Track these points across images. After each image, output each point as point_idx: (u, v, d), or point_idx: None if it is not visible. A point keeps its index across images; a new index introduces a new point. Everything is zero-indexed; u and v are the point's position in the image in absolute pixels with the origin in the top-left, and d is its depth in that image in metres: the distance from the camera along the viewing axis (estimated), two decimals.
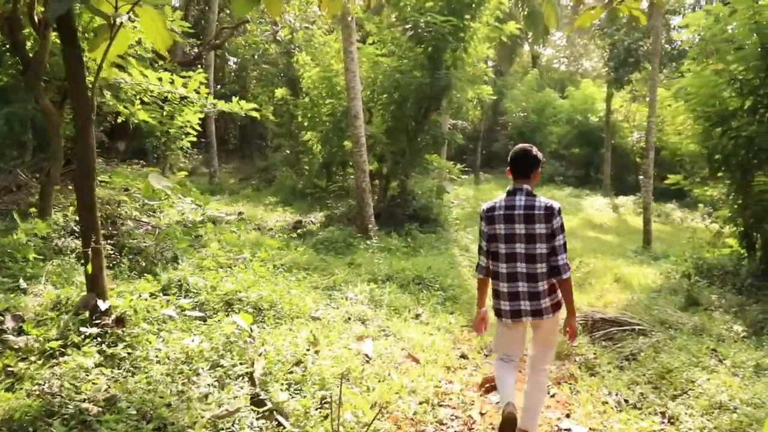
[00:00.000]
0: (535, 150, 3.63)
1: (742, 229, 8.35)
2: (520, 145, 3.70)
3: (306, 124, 15.67)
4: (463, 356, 6.00)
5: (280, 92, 18.17)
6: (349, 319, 6.43)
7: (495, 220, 3.56)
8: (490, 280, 3.75)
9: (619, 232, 17.25)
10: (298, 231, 12.16)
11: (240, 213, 13.17)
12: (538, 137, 30.12)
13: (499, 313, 3.72)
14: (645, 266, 11.35)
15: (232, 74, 28.13)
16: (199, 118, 12.09)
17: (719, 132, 8.22)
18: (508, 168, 3.63)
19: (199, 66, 14.89)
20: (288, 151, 20.32)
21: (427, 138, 13.02)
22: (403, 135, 13.04)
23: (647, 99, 24.69)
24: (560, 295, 3.62)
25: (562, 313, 3.70)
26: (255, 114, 9.90)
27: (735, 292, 7.37)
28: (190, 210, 9.85)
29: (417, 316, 7.13)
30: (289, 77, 19.84)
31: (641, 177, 25.92)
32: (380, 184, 14.20)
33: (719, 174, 8.87)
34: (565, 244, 3.53)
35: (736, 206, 8.43)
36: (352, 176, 16.90)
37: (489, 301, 3.87)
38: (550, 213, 3.45)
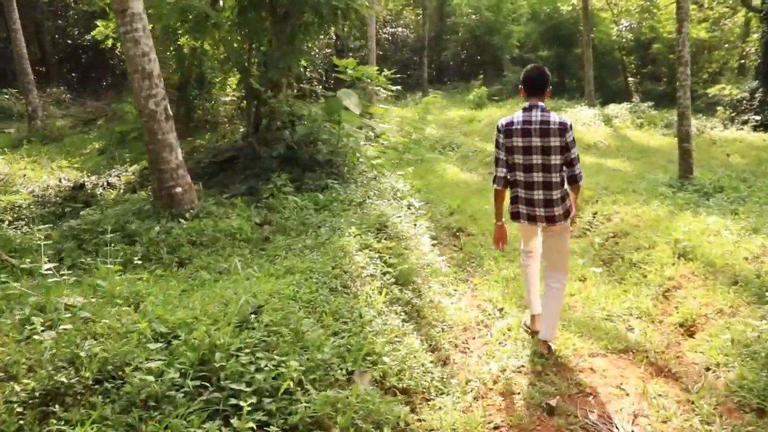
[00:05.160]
0: (546, 68, 3.86)
1: None
2: (532, 65, 3.91)
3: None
4: None
5: None
6: None
7: (513, 134, 3.76)
8: (506, 191, 3.93)
9: (626, 153, 11.79)
10: (66, 208, 6.35)
11: None
12: (497, 40, 24.14)
13: (517, 216, 3.95)
14: (704, 212, 6.14)
15: None
16: None
17: None
18: (521, 86, 3.82)
19: None
20: None
21: (306, 15, 7.03)
22: (265, 14, 7.08)
23: None
24: (569, 203, 3.82)
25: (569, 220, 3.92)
26: None
27: None
28: None
29: None
30: None
31: (648, 75, 20.12)
32: (247, 109, 8.38)
33: None
34: (578, 156, 3.80)
35: None
36: (229, 97, 11.30)
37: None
38: (563, 128, 3.68)
